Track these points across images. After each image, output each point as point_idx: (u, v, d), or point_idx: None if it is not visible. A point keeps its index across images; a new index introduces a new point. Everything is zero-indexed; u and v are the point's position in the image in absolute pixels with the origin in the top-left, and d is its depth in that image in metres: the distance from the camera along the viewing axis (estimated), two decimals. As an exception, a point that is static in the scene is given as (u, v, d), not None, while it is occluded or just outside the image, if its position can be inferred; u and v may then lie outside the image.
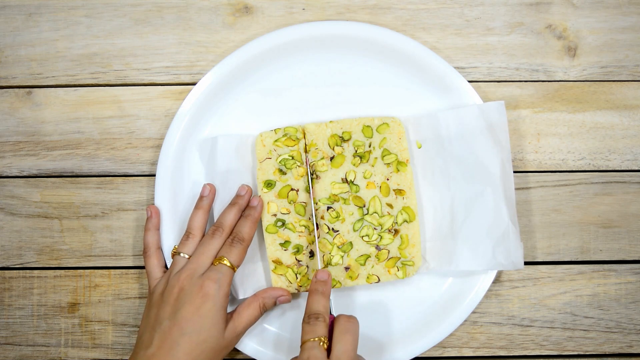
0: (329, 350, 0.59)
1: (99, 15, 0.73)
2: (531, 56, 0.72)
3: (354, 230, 0.67)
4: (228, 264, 0.64)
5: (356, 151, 0.67)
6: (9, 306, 0.72)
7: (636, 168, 0.72)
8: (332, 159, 0.67)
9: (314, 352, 0.58)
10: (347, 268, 0.67)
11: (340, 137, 0.67)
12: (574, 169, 0.72)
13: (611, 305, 0.71)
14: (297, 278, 0.67)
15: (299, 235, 0.67)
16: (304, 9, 0.72)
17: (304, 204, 0.67)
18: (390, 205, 0.67)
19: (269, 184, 0.67)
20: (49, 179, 0.72)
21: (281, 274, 0.67)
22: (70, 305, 0.72)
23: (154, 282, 0.66)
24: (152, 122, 0.72)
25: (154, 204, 0.69)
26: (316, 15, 0.72)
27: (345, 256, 0.67)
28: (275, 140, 0.68)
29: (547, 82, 0.72)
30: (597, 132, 0.72)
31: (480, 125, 0.67)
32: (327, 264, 0.66)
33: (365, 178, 0.67)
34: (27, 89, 0.72)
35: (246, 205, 0.67)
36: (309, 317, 0.61)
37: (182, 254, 0.65)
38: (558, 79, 0.72)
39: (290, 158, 0.67)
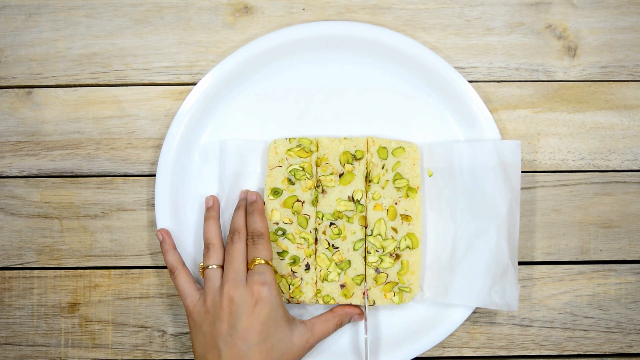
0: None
1: (99, 15, 0.73)
2: (531, 56, 0.72)
3: (354, 250, 0.66)
4: (263, 262, 0.64)
5: (368, 172, 0.67)
6: (9, 306, 0.72)
7: (636, 168, 0.72)
8: (341, 175, 0.67)
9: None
10: (342, 286, 0.66)
11: (352, 155, 0.67)
12: (574, 169, 0.72)
13: (611, 305, 0.71)
14: (289, 289, 0.67)
15: (298, 247, 0.67)
16: (304, 9, 0.72)
17: (308, 216, 0.66)
18: (395, 230, 0.66)
19: (276, 192, 0.67)
20: (49, 179, 0.72)
21: None
22: (70, 305, 0.72)
23: (191, 299, 0.65)
24: (152, 122, 0.72)
25: (162, 228, 0.69)
26: (316, 15, 0.72)
27: (342, 274, 0.66)
28: (289, 150, 0.67)
29: (547, 82, 0.72)
30: (597, 132, 0.72)
31: (493, 162, 0.67)
32: (323, 279, 0.66)
33: (373, 199, 0.66)
34: (27, 89, 0.72)
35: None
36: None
37: (211, 266, 0.65)
38: (558, 79, 0.72)
39: (301, 169, 0.67)
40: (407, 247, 0.66)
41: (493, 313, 0.71)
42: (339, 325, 0.66)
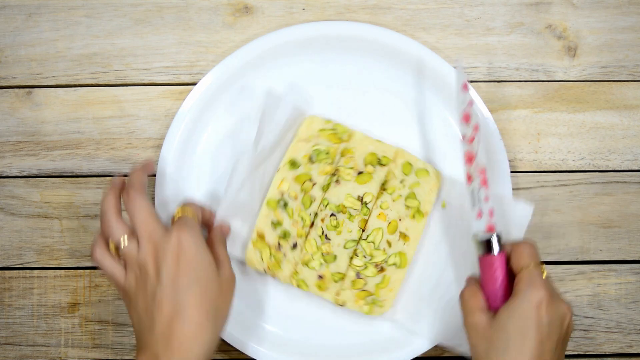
0: None
1: (99, 15, 0.73)
2: (531, 56, 0.72)
3: (344, 247, 0.65)
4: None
5: (386, 180, 0.66)
6: (9, 306, 0.72)
7: (636, 168, 0.72)
8: (359, 173, 0.66)
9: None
10: (320, 277, 0.66)
11: (378, 158, 0.66)
12: (574, 169, 0.72)
13: (611, 305, 0.71)
14: (270, 260, 0.66)
15: (293, 224, 0.66)
16: (304, 9, 0.72)
17: (313, 199, 0.65)
18: (389, 243, 0.65)
19: (293, 164, 0.66)
20: (49, 179, 0.72)
21: (258, 249, 0.66)
22: (70, 305, 0.72)
23: (120, 276, 0.59)
24: (152, 122, 0.72)
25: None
26: (316, 15, 0.72)
27: (324, 265, 0.65)
28: (322, 129, 0.67)
29: (547, 82, 0.72)
30: (597, 132, 0.72)
31: (503, 220, 0.65)
32: (305, 264, 0.65)
33: (380, 208, 0.65)
34: (27, 89, 0.72)
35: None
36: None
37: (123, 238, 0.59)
38: (558, 79, 0.72)
39: (325, 153, 0.66)
40: (394, 264, 0.65)
41: (493, 313, 0.71)
42: (224, 241, 0.63)
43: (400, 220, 0.65)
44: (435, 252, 0.69)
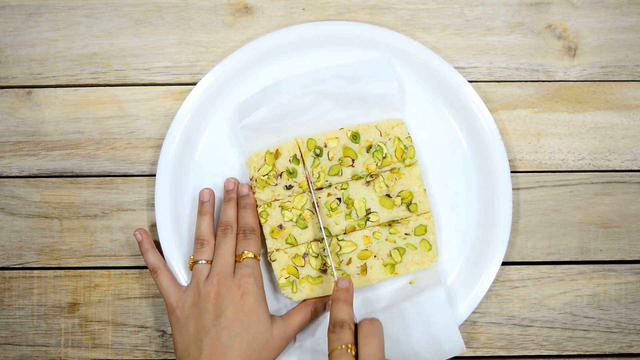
0: (357, 358, 0.57)
1: (99, 15, 0.73)
2: (531, 56, 0.72)
3: (320, 228, 0.67)
4: (252, 256, 0.65)
5: (397, 220, 0.67)
6: (9, 306, 0.72)
7: (636, 168, 0.72)
8: (387, 195, 0.67)
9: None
10: (280, 226, 0.67)
11: (408, 204, 0.68)
12: (574, 169, 0.72)
13: (611, 305, 0.71)
14: (262, 174, 0.67)
15: (305, 171, 0.67)
16: (304, 9, 0.72)
17: (340, 175, 0.67)
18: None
19: (355, 137, 0.67)
20: (49, 179, 0.72)
21: (264, 159, 0.67)
22: (70, 305, 0.72)
23: (175, 296, 0.65)
24: (152, 122, 0.72)
25: (139, 228, 0.69)
26: (316, 15, 0.72)
27: (290, 222, 0.67)
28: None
29: (547, 82, 0.72)
30: (597, 132, 0.72)
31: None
32: (281, 207, 0.67)
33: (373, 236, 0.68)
34: (27, 89, 0.72)
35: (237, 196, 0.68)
36: (333, 326, 0.59)
37: (201, 261, 0.65)
38: (558, 79, 0.72)
39: (383, 156, 0.67)
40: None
41: (493, 313, 0.71)
42: (315, 313, 0.67)
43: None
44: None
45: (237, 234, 0.66)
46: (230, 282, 0.63)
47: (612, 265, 0.72)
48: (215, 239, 0.67)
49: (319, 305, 0.67)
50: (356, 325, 0.60)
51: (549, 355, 0.71)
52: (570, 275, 0.72)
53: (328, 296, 0.68)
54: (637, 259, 0.72)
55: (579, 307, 0.71)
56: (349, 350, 0.57)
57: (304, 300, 0.67)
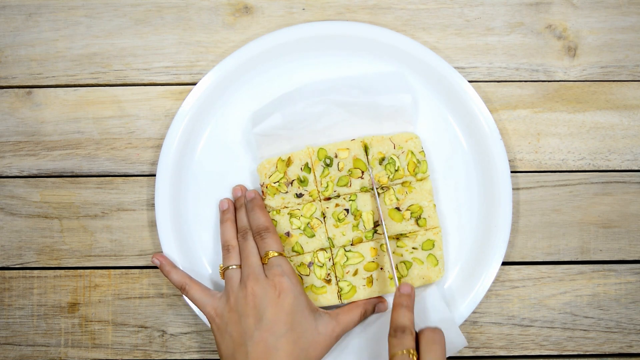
0: None
1: (99, 15, 0.73)
2: (531, 56, 0.72)
3: (327, 238, 0.67)
4: (276, 254, 0.64)
5: (404, 234, 0.67)
6: (9, 306, 0.72)
7: (636, 168, 0.72)
8: (397, 209, 0.67)
9: None
10: (287, 234, 0.67)
11: (416, 218, 0.68)
12: (574, 169, 0.72)
13: (611, 305, 0.71)
14: (273, 181, 0.67)
15: (315, 181, 0.67)
16: (304, 9, 0.72)
17: (349, 186, 0.67)
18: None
19: (368, 147, 0.67)
20: (49, 179, 0.72)
21: (275, 166, 0.67)
22: (70, 305, 0.72)
23: (211, 305, 0.65)
24: (152, 122, 0.72)
25: (155, 253, 0.69)
26: (316, 15, 0.72)
27: (299, 230, 0.67)
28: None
29: (547, 82, 0.72)
30: (597, 132, 0.72)
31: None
32: (290, 214, 0.67)
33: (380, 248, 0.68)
34: (27, 89, 0.72)
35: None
36: (395, 331, 0.59)
37: (231, 267, 0.65)
38: (558, 79, 0.72)
39: (395, 169, 0.67)
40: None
41: (493, 313, 0.71)
42: (364, 314, 0.67)
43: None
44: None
45: (254, 237, 0.66)
46: (264, 283, 0.63)
47: (612, 265, 0.72)
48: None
49: (369, 307, 0.67)
50: (417, 333, 0.60)
51: (549, 355, 0.71)
52: (570, 275, 0.72)
53: (377, 298, 0.68)
54: (637, 259, 0.72)
55: (579, 307, 0.71)
56: (410, 356, 0.57)
57: (355, 302, 0.67)
